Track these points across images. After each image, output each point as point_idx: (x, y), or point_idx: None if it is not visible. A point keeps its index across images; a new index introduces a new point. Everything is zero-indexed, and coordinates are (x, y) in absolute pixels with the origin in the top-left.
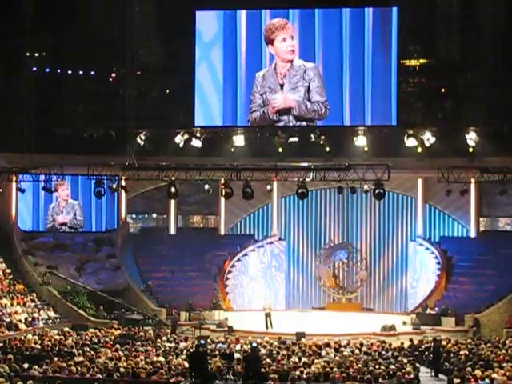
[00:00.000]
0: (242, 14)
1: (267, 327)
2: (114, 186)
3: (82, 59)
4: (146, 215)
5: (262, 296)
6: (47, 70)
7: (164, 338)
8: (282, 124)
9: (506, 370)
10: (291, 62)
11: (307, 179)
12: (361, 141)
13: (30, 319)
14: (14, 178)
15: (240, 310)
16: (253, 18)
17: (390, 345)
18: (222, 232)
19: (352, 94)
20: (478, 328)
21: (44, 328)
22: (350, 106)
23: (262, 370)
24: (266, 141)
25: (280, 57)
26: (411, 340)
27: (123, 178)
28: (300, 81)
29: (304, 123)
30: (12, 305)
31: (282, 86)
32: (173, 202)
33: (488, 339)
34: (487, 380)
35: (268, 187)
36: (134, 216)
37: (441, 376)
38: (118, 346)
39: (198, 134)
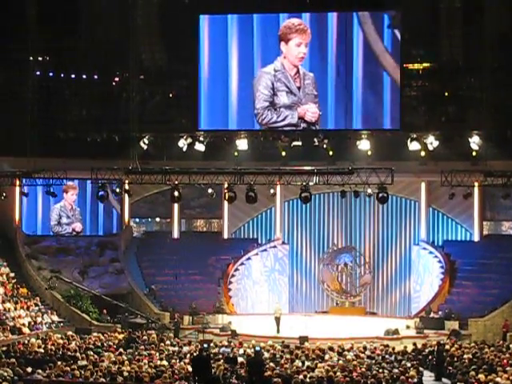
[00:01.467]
0: (251, 18)
1: (278, 331)
2: (118, 190)
3: (86, 63)
4: (150, 219)
5: (265, 300)
6: (50, 73)
7: (167, 342)
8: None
9: (509, 374)
10: (296, 66)
11: (310, 183)
12: (364, 145)
13: (33, 323)
14: (18, 182)
15: (243, 314)
16: (262, 21)
17: (394, 349)
18: (226, 236)
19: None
20: (458, 337)
21: (47, 332)
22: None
23: (266, 373)
24: (270, 145)
25: (288, 58)
26: (415, 344)
27: (126, 181)
28: (311, 87)
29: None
30: (15, 309)
31: (299, 89)
32: (176, 205)
33: (492, 343)
34: None
35: (271, 191)
36: (137, 220)
37: (444, 380)
38: (121, 349)
39: (201, 138)
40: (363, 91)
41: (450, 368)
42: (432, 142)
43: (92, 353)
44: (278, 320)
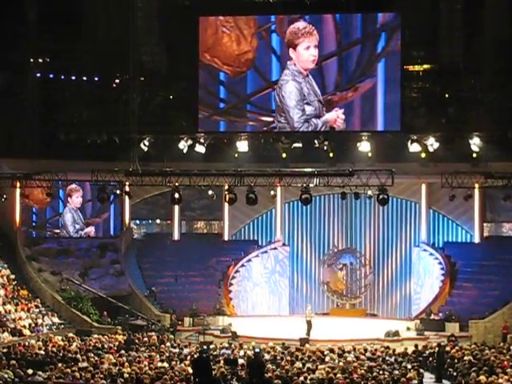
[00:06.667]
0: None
1: (309, 334)
2: (118, 192)
3: (86, 65)
4: (150, 221)
5: (265, 301)
6: (51, 75)
7: (168, 344)
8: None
9: (510, 375)
10: (307, 70)
11: (311, 185)
12: (364, 146)
13: (34, 325)
14: (18, 184)
15: (244, 316)
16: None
17: (394, 350)
18: (226, 238)
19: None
20: (456, 342)
21: (48, 334)
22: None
23: (266, 375)
24: (270, 146)
25: (300, 64)
26: (415, 346)
27: (127, 183)
28: (319, 91)
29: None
30: (16, 310)
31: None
32: (176, 207)
33: (492, 345)
34: None
35: (272, 193)
36: (137, 222)
37: (445, 382)
38: (122, 351)
39: (201, 140)
40: None
41: (451, 370)
42: (432, 143)
43: (92, 354)
44: (309, 324)
